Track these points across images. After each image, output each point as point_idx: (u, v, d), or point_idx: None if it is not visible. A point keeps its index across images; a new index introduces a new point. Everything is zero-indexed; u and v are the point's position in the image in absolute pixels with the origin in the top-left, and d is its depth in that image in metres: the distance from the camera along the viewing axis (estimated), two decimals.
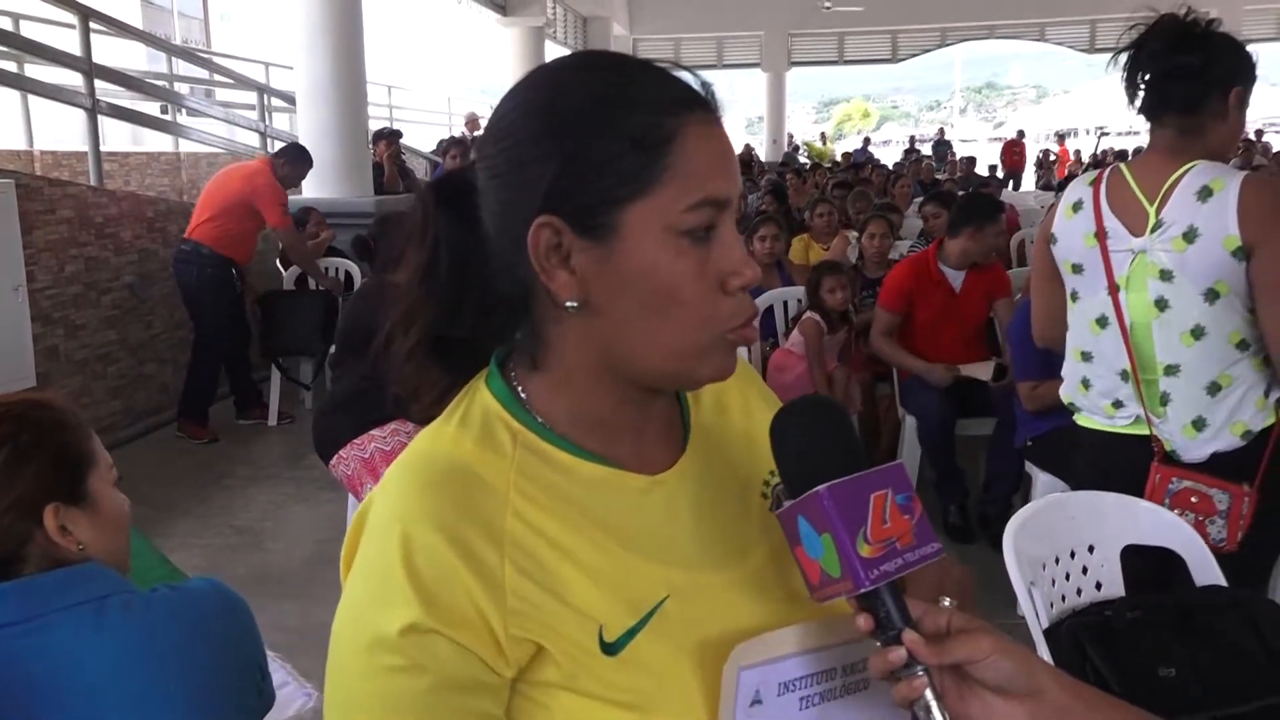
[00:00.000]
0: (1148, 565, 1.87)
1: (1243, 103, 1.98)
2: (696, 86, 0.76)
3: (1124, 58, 1.98)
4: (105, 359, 5.24)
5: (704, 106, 0.75)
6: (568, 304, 0.74)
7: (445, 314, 0.80)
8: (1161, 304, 1.96)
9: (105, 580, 1.15)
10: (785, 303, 4.51)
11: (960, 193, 6.75)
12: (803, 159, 19.26)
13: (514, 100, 0.77)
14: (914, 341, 3.95)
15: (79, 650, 1.08)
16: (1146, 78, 1.97)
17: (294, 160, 5.45)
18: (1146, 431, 2.03)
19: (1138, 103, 2.00)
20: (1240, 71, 1.96)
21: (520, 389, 0.80)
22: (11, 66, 6.30)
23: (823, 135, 31.55)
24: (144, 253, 5.53)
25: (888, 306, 3.97)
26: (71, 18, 5.46)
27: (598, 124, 0.72)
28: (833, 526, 0.69)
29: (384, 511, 0.74)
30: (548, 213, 0.73)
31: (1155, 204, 1.95)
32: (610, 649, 0.72)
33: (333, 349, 3.71)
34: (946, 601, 0.75)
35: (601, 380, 0.78)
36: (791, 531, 0.72)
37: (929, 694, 0.67)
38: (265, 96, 8.35)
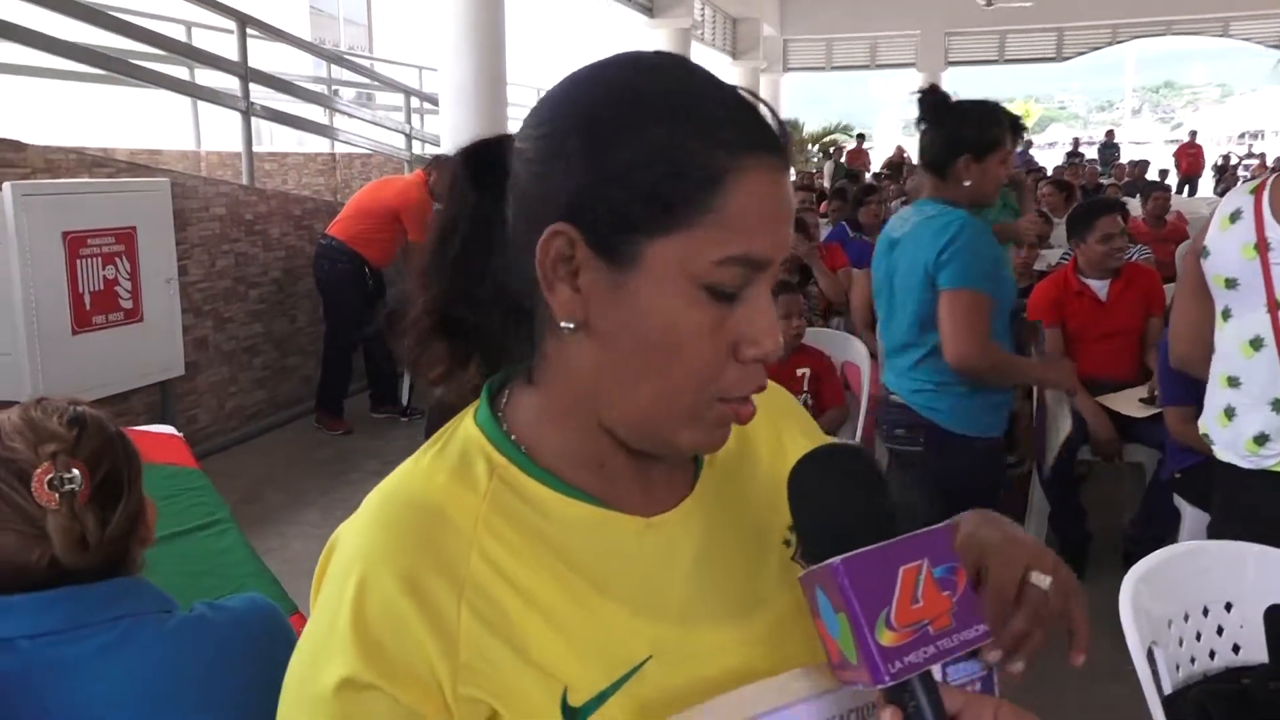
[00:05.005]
0: None
1: None
2: (772, 124, 0.65)
3: None
4: (251, 350, 5.48)
5: (772, 150, 0.64)
6: (563, 324, 0.66)
7: (450, 294, 0.72)
8: None
9: (147, 596, 1.15)
10: None
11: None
12: None
13: (568, 85, 0.68)
14: (1068, 355, 3.69)
15: (106, 664, 1.07)
16: None
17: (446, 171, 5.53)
18: None
19: None
20: None
21: (504, 421, 0.72)
22: (182, 72, 6.68)
23: None
24: (291, 249, 5.76)
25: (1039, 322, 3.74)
26: (229, 24, 5.73)
27: (644, 139, 0.62)
28: (849, 607, 0.58)
29: (346, 549, 0.67)
30: (566, 220, 0.64)
31: None
32: (575, 714, 0.63)
33: None
34: (1037, 578, 0.66)
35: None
36: (811, 601, 0.62)
37: None
38: (411, 99, 8.59)
